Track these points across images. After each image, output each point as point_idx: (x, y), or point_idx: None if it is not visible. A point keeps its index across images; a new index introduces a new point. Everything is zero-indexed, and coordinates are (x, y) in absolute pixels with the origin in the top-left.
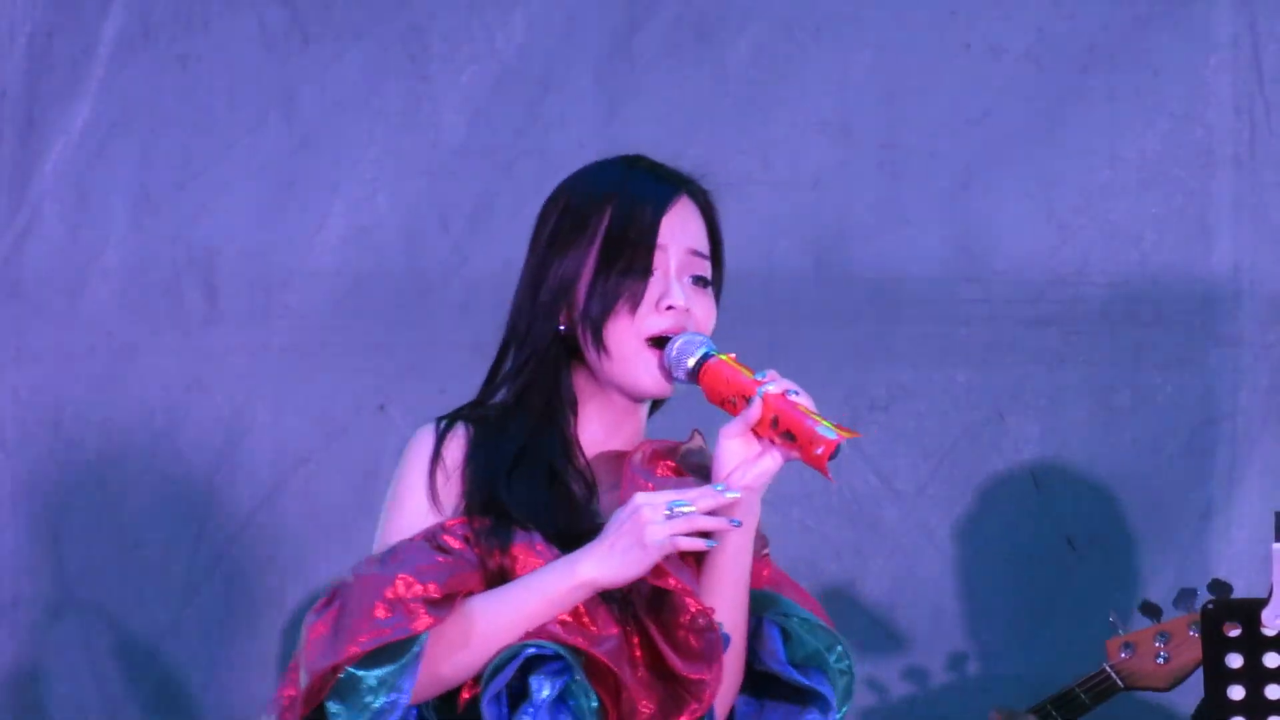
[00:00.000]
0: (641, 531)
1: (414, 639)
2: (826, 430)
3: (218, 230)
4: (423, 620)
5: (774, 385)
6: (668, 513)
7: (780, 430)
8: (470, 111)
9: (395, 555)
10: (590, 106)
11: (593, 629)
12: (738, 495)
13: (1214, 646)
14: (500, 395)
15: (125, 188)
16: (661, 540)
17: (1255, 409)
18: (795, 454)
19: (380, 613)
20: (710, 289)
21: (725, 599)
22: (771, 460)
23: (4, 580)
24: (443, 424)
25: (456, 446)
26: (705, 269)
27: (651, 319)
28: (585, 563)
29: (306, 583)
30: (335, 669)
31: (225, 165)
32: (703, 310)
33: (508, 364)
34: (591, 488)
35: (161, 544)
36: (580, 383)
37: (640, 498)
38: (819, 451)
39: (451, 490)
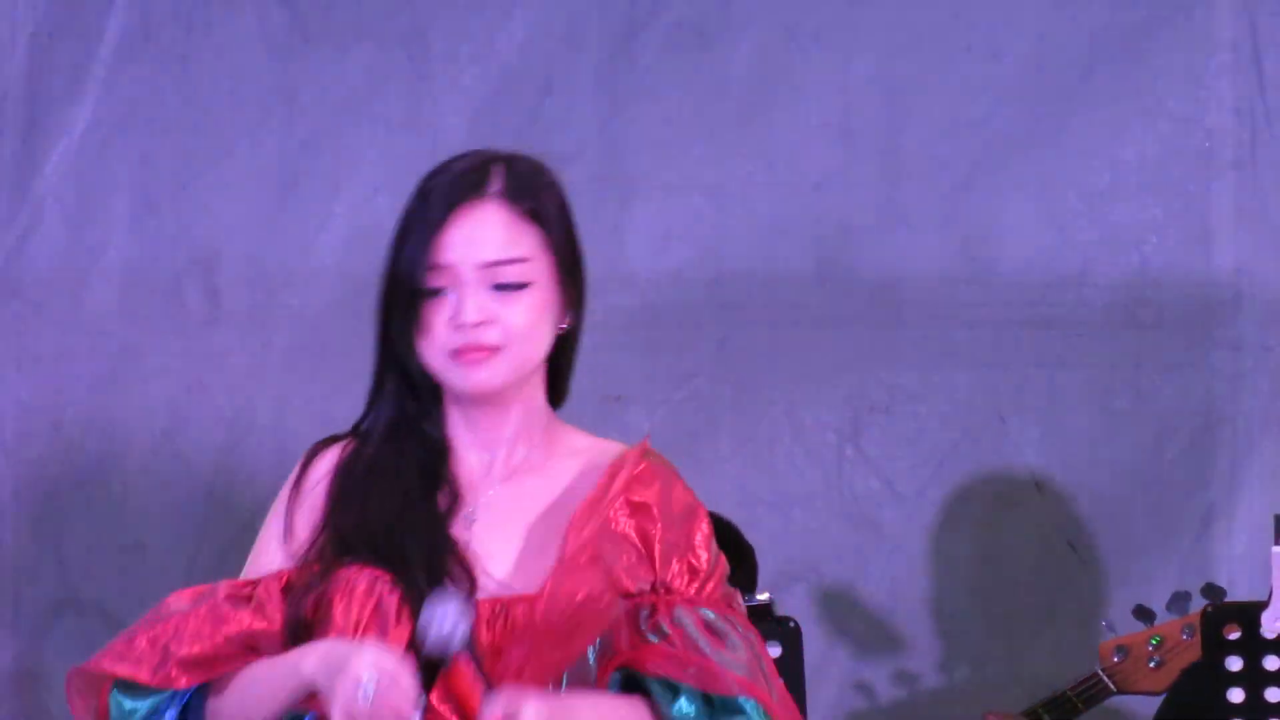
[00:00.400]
0: (337, 681)
1: (163, 691)
2: None
3: (219, 231)
4: (179, 680)
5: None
6: (362, 689)
7: None
8: (471, 113)
9: (203, 600)
10: (591, 108)
11: None
12: None
13: (1214, 649)
14: (376, 409)
15: (126, 189)
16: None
17: (1256, 412)
18: None
19: (143, 646)
20: (529, 288)
21: None
22: None
23: (5, 580)
24: (313, 447)
25: (323, 469)
26: (510, 274)
27: (446, 337)
28: (315, 673)
29: None
30: (87, 673)
31: (226, 166)
32: (516, 315)
33: (382, 376)
34: (456, 497)
35: (163, 545)
36: (445, 391)
37: (360, 665)
38: None
39: (311, 519)
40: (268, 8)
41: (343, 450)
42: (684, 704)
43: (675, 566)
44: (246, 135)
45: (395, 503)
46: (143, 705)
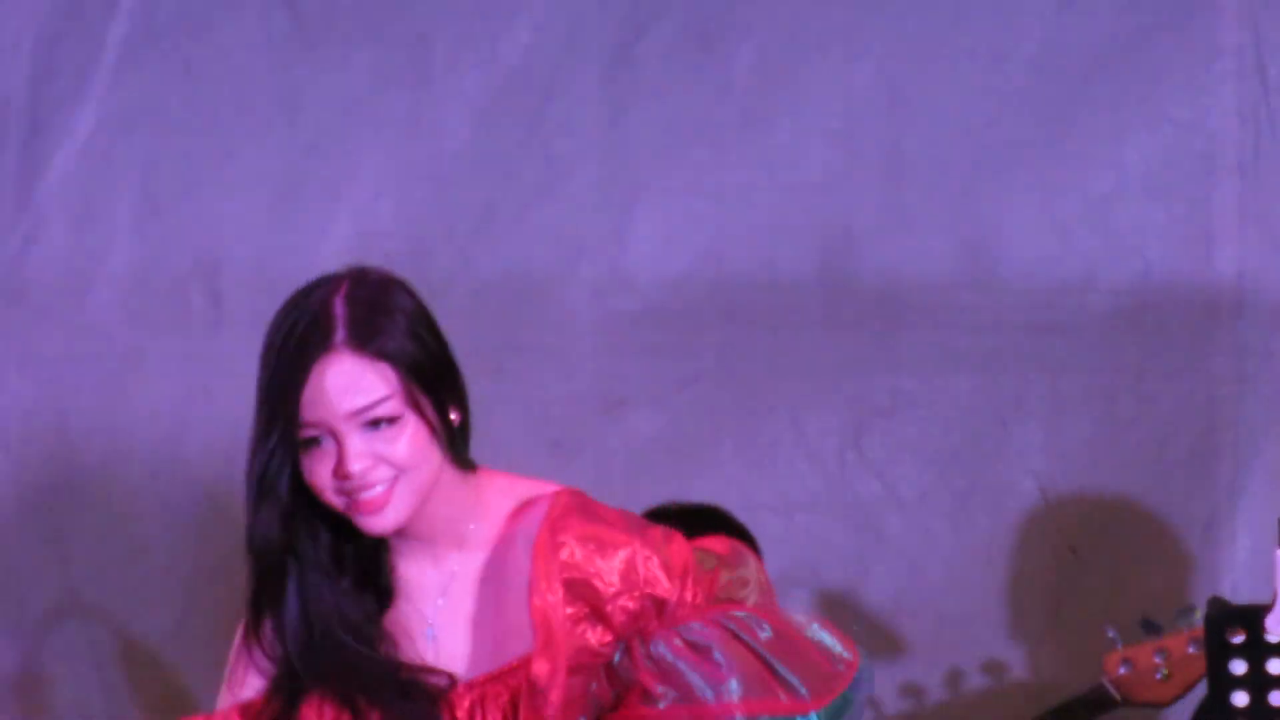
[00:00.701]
0: None
1: None
2: None
3: (222, 236)
4: None
5: None
6: None
7: None
8: (474, 116)
9: None
10: (594, 112)
11: None
12: None
13: (1217, 653)
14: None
15: (130, 192)
16: None
17: (1258, 417)
18: None
19: None
20: (397, 422)
21: None
22: None
23: (9, 583)
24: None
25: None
26: (379, 412)
27: (337, 487)
28: None
29: None
30: None
31: (229, 171)
32: (399, 449)
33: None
34: (412, 619)
35: (166, 548)
36: None
37: None
38: None
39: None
40: (270, 11)
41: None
42: None
43: (638, 612)
44: (250, 139)
45: (351, 655)
46: None
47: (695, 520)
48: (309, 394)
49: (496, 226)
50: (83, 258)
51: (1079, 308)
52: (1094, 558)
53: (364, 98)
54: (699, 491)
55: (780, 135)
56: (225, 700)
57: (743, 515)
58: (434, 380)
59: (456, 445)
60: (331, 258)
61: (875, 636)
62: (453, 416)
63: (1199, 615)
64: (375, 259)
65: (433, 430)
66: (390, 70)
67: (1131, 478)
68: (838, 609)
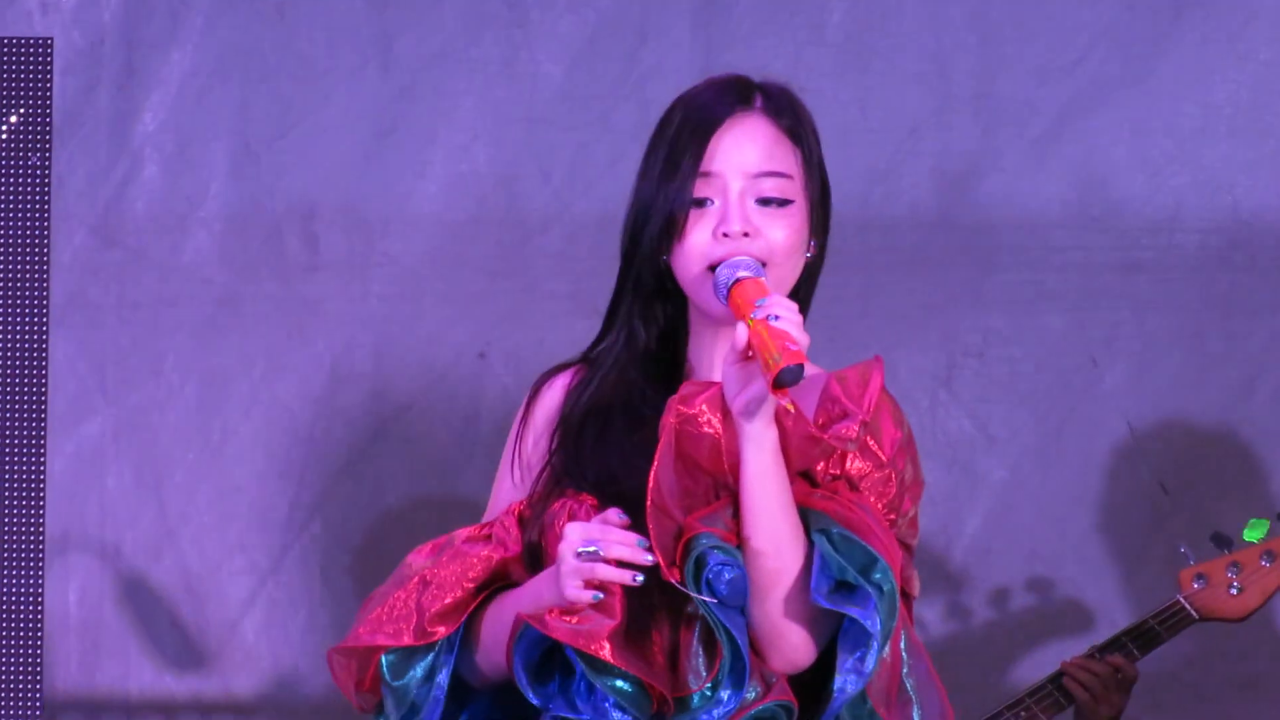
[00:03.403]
0: (558, 575)
1: (430, 645)
2: (778, 357)
3: (317, 179)
4: (438, 632)
5: (761, 310)
6: (578, 553)
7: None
8: (567, 60)
9: (443, 551)
10: (687, 55)
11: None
12: (652, 563)
13: None
14: (613, 334)
15: (225, 137)
16: (570, 595)
17: None
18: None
19: (397, 609)
20: (788, 206)
21: (759, 531)
22: (758, 387)
23: (106, 523)
24: (541, 376)
25: (551, 399)
26: (775, 188)
27: (708, 248)
28: (545, 590)
29: (407, 529)
30: (350, 649)
31: (324, 114)
32: (778, 230)
33: (621, 300)
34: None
35: (261, 490)
36: (692, 312)
37: (567, 534)
38: (767, 377)
39: (541, 449)
40: None
41: (571, 378)
42: (831, 533)
43: (851, 474)
44: (344, 83)
45: (616, 438)
46: (418, 668)
47: None
48: (718, 143)
49: (590, 169)
50: (178, 201)
51: (1168, 246)
52: (1184, 494)
53: (458, 41)
54: None
55: (872, 78)
56: (504, 488)
57: None
58: (821, 191)
59: (815, 272)
60: (426, 201)
61: (967, 573)
62: (811, 250)
63: (1268, 528)
64: (470, 202)
65: (805, 236)
66: (484, 13)
67: (1220, 415)
68: (929, 548)
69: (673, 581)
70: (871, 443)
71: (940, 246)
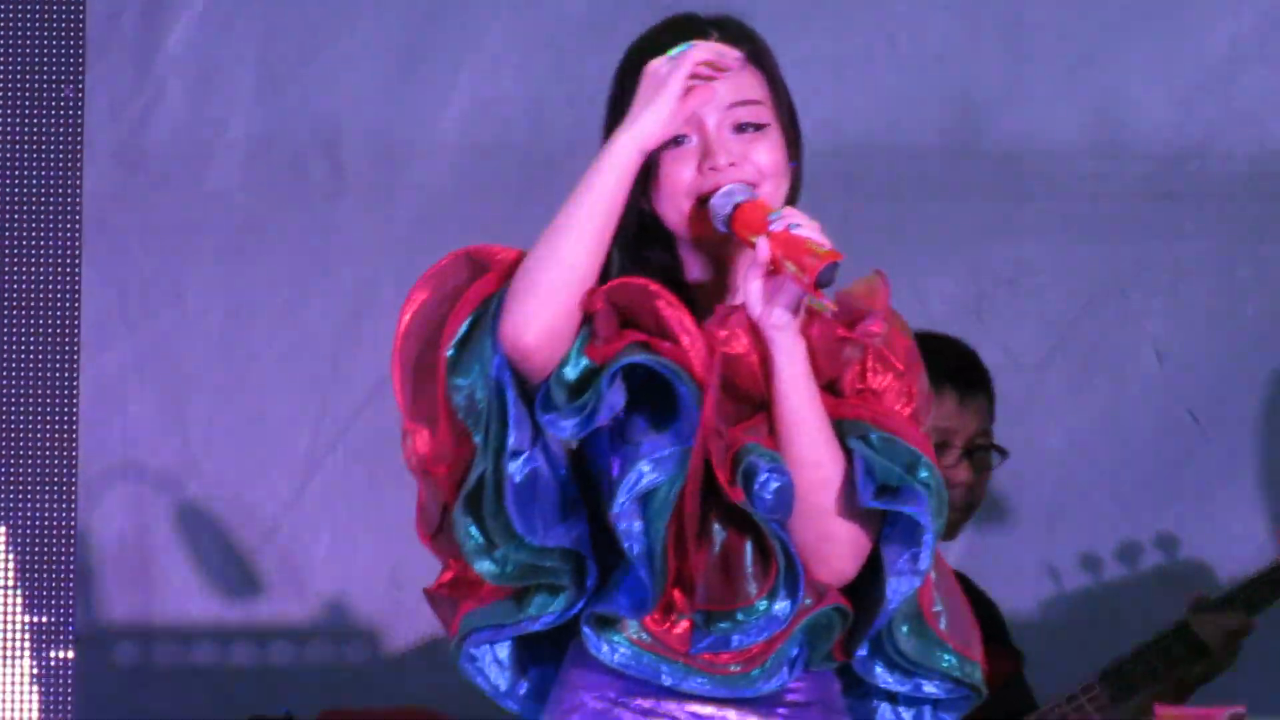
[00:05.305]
0: (654, 82)
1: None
2: (814, 258)
3: (342, 105)
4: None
5: (778, 222)
6: (670, 56)
7: (785, 265)
8: None
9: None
10: None
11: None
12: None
13: None
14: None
15: (249, 62)
16: (674, 86)
17: None
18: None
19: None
20: (767, 129)
21: (799, 441)
22: (790, 294)
23: (130, 449)
24: None
25: None
26: (750, 114)
27: (695, 182)
28: (619, 135)
29: None
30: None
31: (349, 39)
32: (761, 154)
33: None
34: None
35: (285, 416)
36: (685, 252)
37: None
38: (806, 280)
39: None
40: None
41: None
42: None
43: (873, 389)
44: (370, 7)
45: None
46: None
47: None
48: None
49: None
50: (203, 127)
51: (1198, 175)
52: (1213, 424)
53: None
54: None
55: (900, 4)
56: None
57: None
58: (788, 110)
59: (795, 190)
60: (451, 126)
61: (994, 503)
62: (791, 164)
63: None
64: (495, 127)
65: (785, 154)
66: None
67: (1250, 343)
68: None
69: (737, 501)
70: (887, 353)
71: (970, 175)
